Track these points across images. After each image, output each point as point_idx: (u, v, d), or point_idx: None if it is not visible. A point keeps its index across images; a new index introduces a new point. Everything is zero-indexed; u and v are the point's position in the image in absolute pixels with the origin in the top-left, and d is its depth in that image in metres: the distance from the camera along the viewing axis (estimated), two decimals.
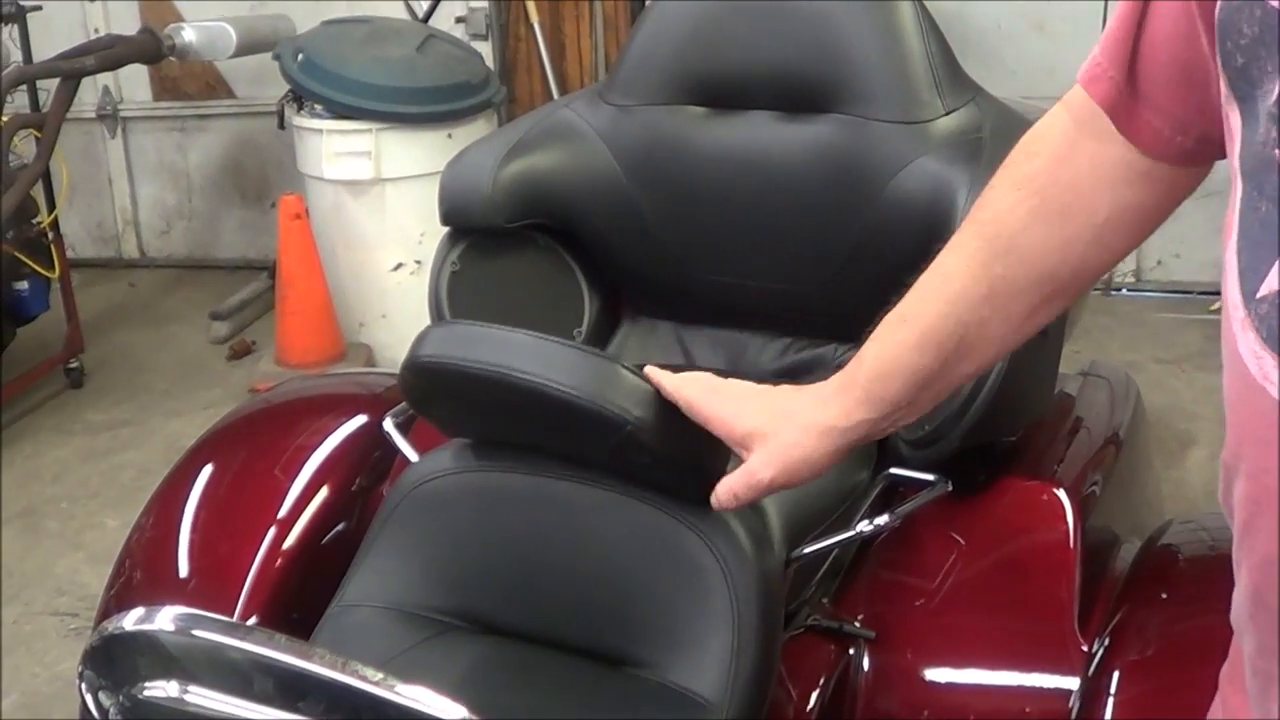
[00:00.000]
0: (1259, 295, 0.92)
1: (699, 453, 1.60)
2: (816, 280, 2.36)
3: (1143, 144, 1.21)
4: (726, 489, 1.48)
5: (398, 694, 1.10)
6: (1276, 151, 0.90)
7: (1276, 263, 0.91)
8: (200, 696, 1.20)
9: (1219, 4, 0.96)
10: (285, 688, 1.15)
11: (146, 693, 1.21)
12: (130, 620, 1.20)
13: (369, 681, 1.11)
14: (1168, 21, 1.12)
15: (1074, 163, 1.25)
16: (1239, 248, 0.95)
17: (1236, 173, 0.97)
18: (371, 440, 2.31)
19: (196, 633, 1.19)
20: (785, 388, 1.50)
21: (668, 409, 1.58)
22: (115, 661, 1.22)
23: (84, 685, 1.24)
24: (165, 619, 1.19)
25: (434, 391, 1.79)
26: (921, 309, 1.34)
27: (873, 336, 1.40)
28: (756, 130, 2.38)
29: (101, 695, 1.22)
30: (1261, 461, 0.95)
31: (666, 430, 1.60)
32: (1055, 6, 5.15)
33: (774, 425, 1.44)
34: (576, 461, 1.78)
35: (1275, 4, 0.89)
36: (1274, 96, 0.90)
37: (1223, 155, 1.13)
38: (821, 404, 1.42)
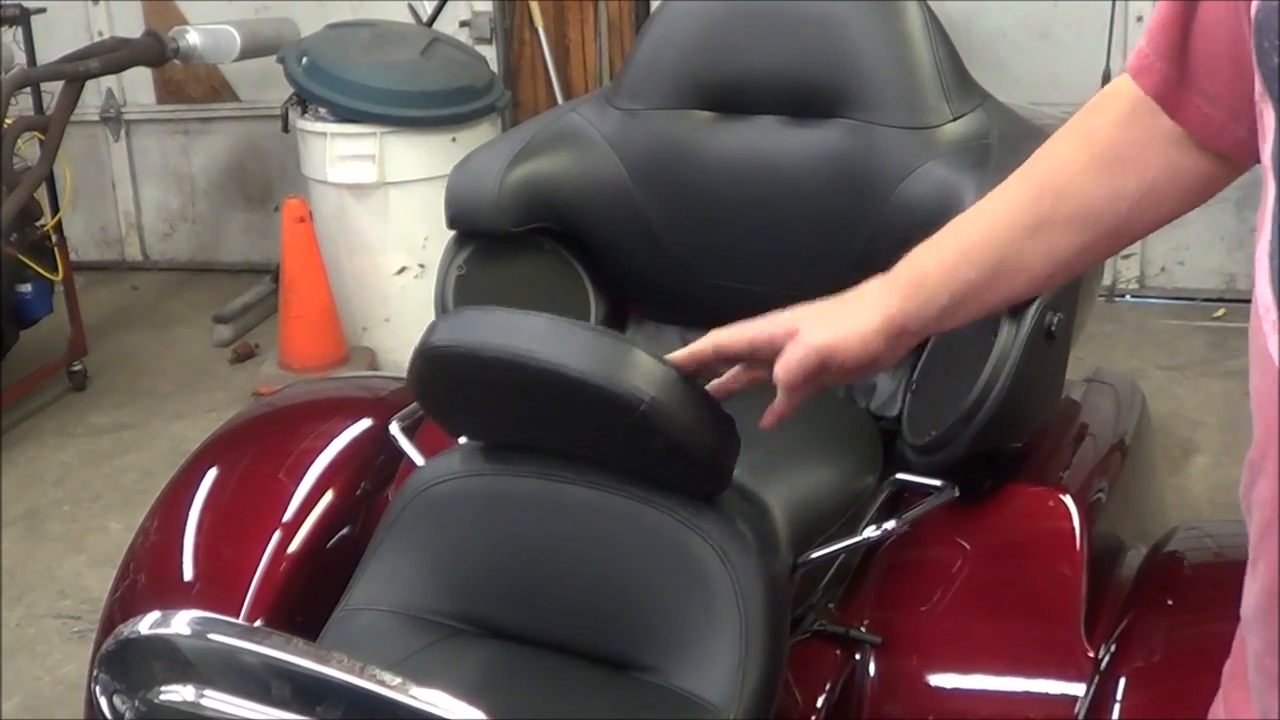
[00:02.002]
0: None
1: (711, 441, 1.60)
2: (823, 285, 2.32)
3: (1196, 131, 1.23)
4: (782, 363, 1.46)
5: (414, 698, 1.10)
6: None
7: None
8: (216, 700, 1.20)
9: (1255, 4, 0.96)
10: (302, 692, 1.15)
11: (162, 697, 1.21)
12: (146, 624, 1.21)
13: (386, 685, 1.11)
14: (1219, 11, 1.13)
15: (1134, 125, 1.27)
16: (1274, 248, 0.95)
17: (1269, 170, 0.96)
18: (376, 444, 2.31)
19: (212, 636, 1.19)
20: None
21: (682, 393, 1.59)
22: (130, 665, 1.22)
23: (99, 689, 1.24)
24: (181, 623, 1.20)
25: (445, 381, 1.78)
26: (966, 227, 1.39)
27: (917, 248, 1.44)
28: (764, 135, 2.38)
29: (116, 699, 1.22)
30: None
31: (680, 414, 1.60)
32: (1061, 14, 5.15)
33: (816, 310, 1.48)
34: (586, 453, 1.77)
35: None
36: None
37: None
38: (860, 293, 1.46)
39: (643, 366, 1.61)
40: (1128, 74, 1.26)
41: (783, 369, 1.46)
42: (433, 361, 1.74)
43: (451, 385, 1.79)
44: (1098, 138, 1.30)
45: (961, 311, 1.42)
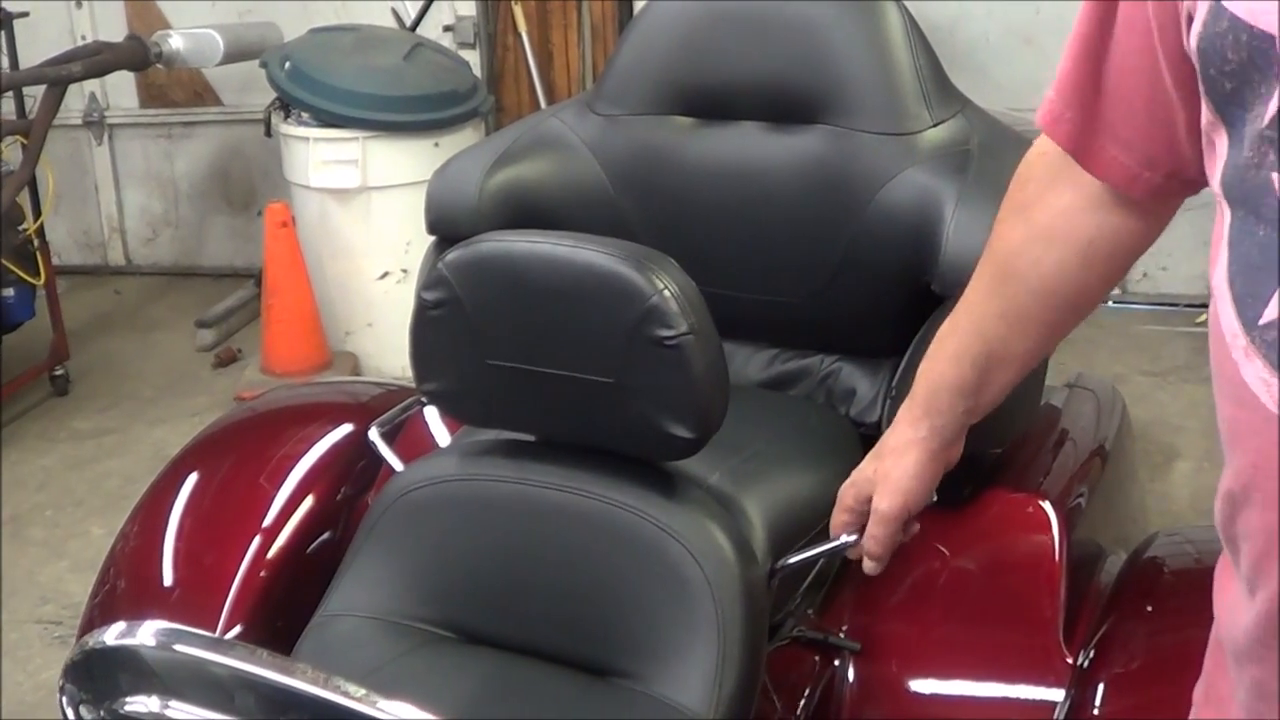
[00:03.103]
0: (1263, 321, 0.91)
1: (709, 366, 1.65)
2: (804, 291, 2.35)
3: (1111, 179, 1.24)
4: (873, 544, 1.62)
5: (380, 710, 1.10)
6: (1273, 175, 0.90)
7: (1279, 286, 0.90)
8: (182, 712, 1.19)
9: (1195, 33, 0.96)
10: (268, 703, 1.14)
11: (128, 708, 1.20)
12: (111, 635, 1.20)
13: (352, 698, 1.10)
14: (1131, 58, 1.13)
15: (1058, 190, 1.30)
16: (1232, 274, 0.94)
17: (1221, 198, 0.96)
18: (357, 449, 2.31)
19: (178, 648, 1.19)
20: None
21: (693, 300, 1.70)
22: (96, 676, 1.22)
23: (65, 699, 1.23)
24: (146, 634, 1.19)
25: (467, 290, 1.80)
26: (954, 329, 1.47)
27: (921, 367, 1.54)
28: (744, 141, 2.37)
29: (83, 709, 1.22)
30: None
31: (686, 315, 1.68)
32: (1044, 20, 5.15)
33: (880, 465, 1.60)
34: (583, 364, 1.78)
35: (1262, 27, 0.89)
36: (1266, 119, 0.90)
37: (1193, 192, 1.17)
38: (898, 427, 1.57)
39: (670, 268, 1.72)
40: (1037, 120, 1.28)
41: (871, 544, 1.61)
42: (461, 267, 1.80)
43: (475, 295, 1.80)
44: (1031, 213, 1.34)
45: (985, 402, 1.52)
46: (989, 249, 1.41)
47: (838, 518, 1.66)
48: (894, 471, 1.57)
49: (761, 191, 2.36)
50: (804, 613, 2.04)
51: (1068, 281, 1.35)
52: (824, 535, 1.99)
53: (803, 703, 1.94)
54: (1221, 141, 0.96)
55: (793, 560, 1.91)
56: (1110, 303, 5.35)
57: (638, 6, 5.18)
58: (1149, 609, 1.98)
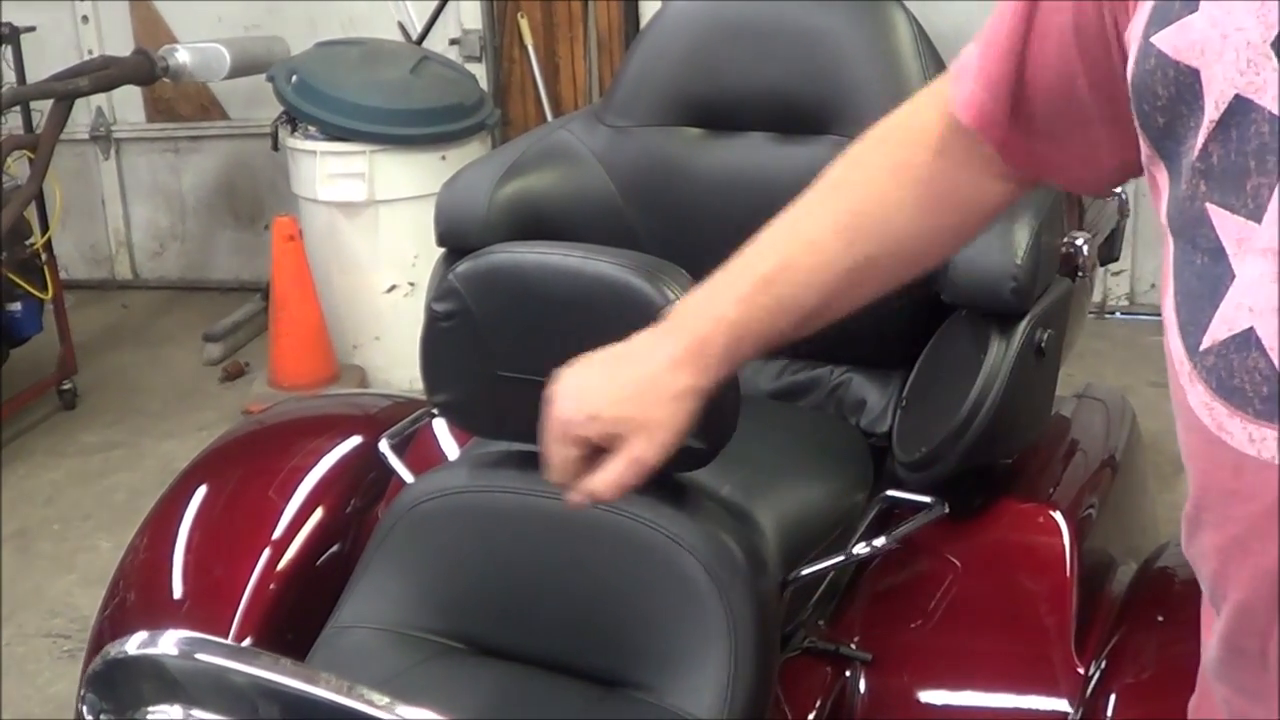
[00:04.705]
0: (1203, 348, 0.94)
1: (716, 387, 1.65)
2: None
3: (1025, 168, 1.25)
4: (614, 482, 1.38)
5: (401, 717, 1.10)
6: (1206, 205, 0.92)
7: (1215, 313, 0.92)
8: None
9: (1130, 71, 0.97)
10: (290, 711, 1.15)
11: (150, 717, 1.20)
12: (133, 644, 1.20)
13: (374, 705, 1.11)
14: (1049, 56, 1.14)
15: (949, 155, 1.27)
16: (1177, 303, 0.97)
17: (1167, 230, 0.98)
18: (366, 462, 2.31)
19: (200, 656, 1.19)
20: (628, 350, 1.43)
21: None
22: (118, 685, 1.22)
23: (86, 709, 1.23)
24: (169, 643, 1.19)
25: (477, 301, 1.80)
26: (788, 276, 1.34)
27: (729, 286, 1.38)
28: (753, 152, 2.38)
29: (104, 719, 1.22)
30: (1228, 510, 0.96)
31: None
32: None
33: (642, 408, 1.37)
34: None
35: (1186, 62, 0.91)
36: (1196, 151, 0.92)
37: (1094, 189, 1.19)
38: (680, 368, 1.37)
39: (681, 279, 1.69)
40: (956, 110, 1.24)
41: (609, 487, 1.38)
42: (471, 278, 1.79)
43: (485, 306, 1.80)
44: (919, 175, 1.29)
45: (767, 347, 1.40)
46: (849, 197, 1.33)
47: (563, 451, 1.40)
48: (669, 421, 1.36)
49: (770, 202, 2.33)
50: (815, 623, 2.04)
51: (935, 247, 1.35)
52: (836, 546, 2.00)
53: (814, 713, 1.93)
54: (1161, 175, 0.99)
55: (805, 571, 1.91)
56: (1119, 314, 5.35)
57: (644, 19, 5.20)
58: (1160, 619, 1.98)
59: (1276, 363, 0.89)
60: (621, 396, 1.38)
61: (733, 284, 1.37)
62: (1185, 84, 0.93)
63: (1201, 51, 0.91)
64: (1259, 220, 0.89)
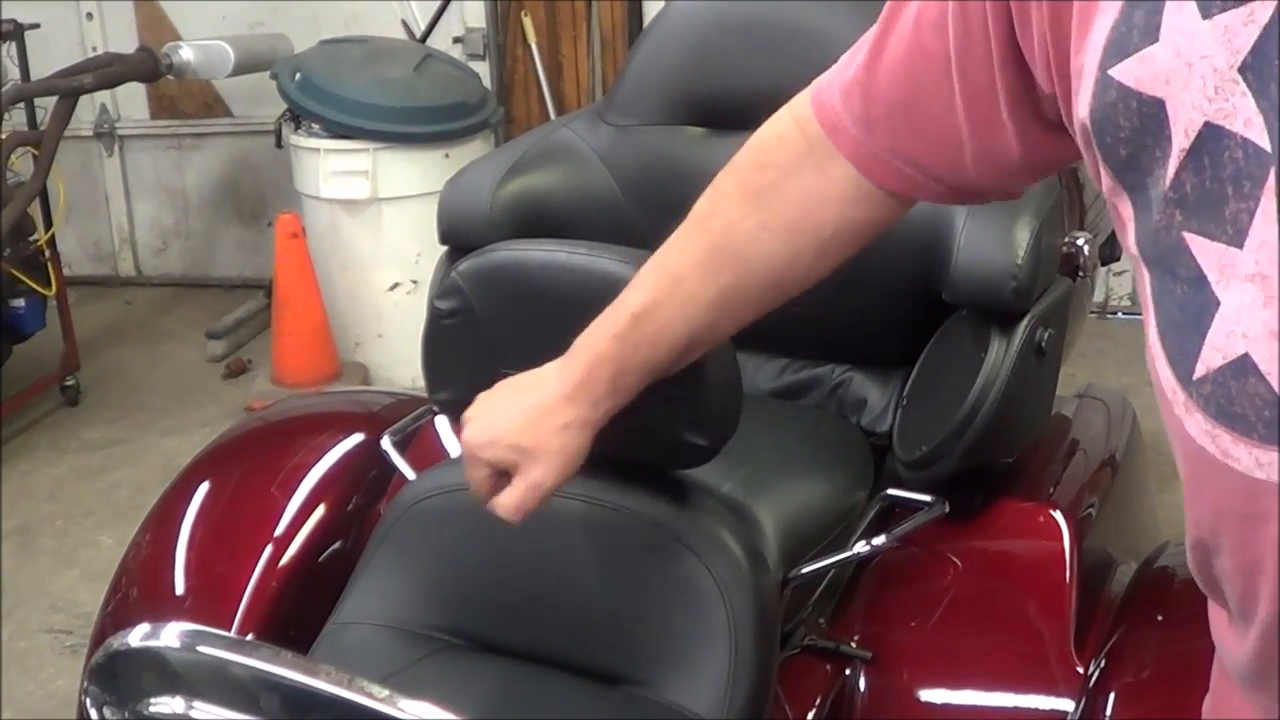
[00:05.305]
0: (1197, 376, 0.93)
1: (725, 373, 1.65)
2: (814, 301, 2.32)
3: (890, 187, 1.25)
4: (514, 504, 1.52)
5: (402, 710, 1.11)
6: (1184, 234, 0.91)
7: (1204, 342, 0.92)
8: (205, 713, 1.20)
9: (1085, 105, 0.97)
10: (290, 704, 1.15)
11: (152, 709, 1.21)
12: (135, 636, 1.21)
13: (374, 698, 1.11)
14: (925, 86, 1.15)
15: (803, 179, 1.29)
16: (1161, 333, 0.96)
17: (1139, 261, 0.98)
18: (368, 458, 2.31)
19: (202, 649, 1.19)
20: (531, 379, 1.54)
21: None
22: (120, 678, 1.22)
23: (89, 701, 1.24)
24: (170, 635, 1.20)
25: (480, 299, 1.79)
26: (656, 312, 1.42)
27: (610, 322, 1.45)
28: None
29: (106, 711, 1.22)
30: (1245, 534, 0.96)
31: None
32: None
33: (534, 438, 1.48)
34: None
35: (1150, 93, 0.91)
36: (1168, 181, 0.92)
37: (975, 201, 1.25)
38: (569, 402, 1.48)
39: None
40: (819, 127, 1.26)
41: (513, 509, 1.53)
42: (475, 275, 1.79)
43: (488, 304, 1.80)
44: (770, 202, 1.31)
45: (651, 377, 1.48)
46: (706, 230, 1.37)
47: (473, 471, 1.55)
48: (560, 450, 1.48)
49: None
50: (815, 621, 2.04)
51: (798, 270, 1.35)
52: (836, 545, 2.01)
53: (814, 711, 1.94)
54: (1126, 207, 0.98)
55: (805, 570, 1.91)
56: (1120, 314, 5.36)
57: (648, 17, 5.21)
58: (1160, 619, 1.98)
59: (1277, 387, 0.89)
60: (517, 426, 1.50)
61: (613, 320, 1.45)
62: (1149, 114, 0.92)
63: (1166, 81, 0.90)
64: (1240, 246, 0.88)
